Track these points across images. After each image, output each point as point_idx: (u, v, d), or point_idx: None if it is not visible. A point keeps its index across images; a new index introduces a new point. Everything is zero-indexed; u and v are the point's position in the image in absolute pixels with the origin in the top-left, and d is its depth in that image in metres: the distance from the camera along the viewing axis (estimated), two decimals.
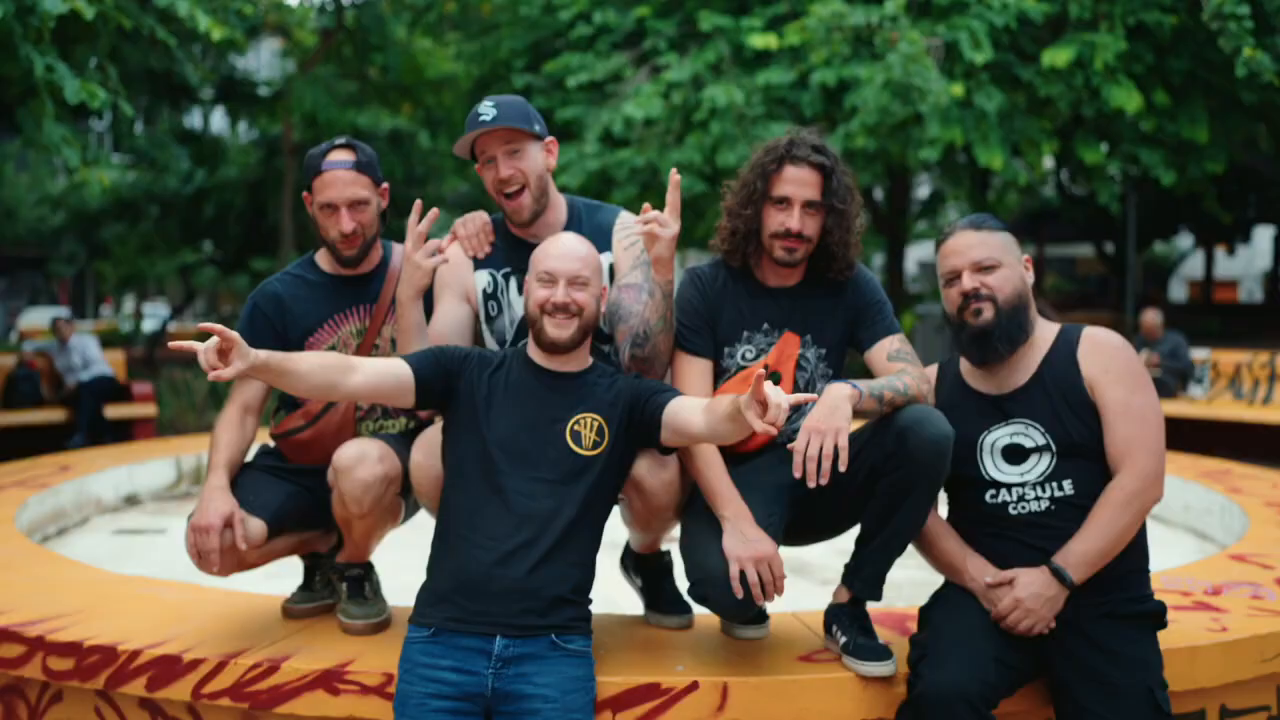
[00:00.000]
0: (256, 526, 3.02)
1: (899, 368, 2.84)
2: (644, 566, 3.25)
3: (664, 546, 3.27)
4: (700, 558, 2.76)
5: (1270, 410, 10.53)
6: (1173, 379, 11.09)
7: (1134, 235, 31.15)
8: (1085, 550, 2.63)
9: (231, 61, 15.13)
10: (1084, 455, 2.74)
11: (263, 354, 2.47)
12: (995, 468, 2.80)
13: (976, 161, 11.62)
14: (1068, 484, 2.73)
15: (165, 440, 8.30)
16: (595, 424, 2.71)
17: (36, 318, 36.29)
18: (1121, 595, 2.70)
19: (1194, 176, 12.04)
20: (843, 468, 2.53)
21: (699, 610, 3.12)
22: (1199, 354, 11.38)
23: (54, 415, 10.80)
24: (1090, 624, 2.65)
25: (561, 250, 2.78)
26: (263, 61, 23.47)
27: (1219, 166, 11.86)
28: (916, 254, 58.82)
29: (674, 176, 2.85)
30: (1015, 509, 2.77)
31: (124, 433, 10.87)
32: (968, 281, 2.79)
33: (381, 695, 2.75)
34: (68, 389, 10.98)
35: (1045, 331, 2.91)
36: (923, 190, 24.42)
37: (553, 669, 2.56)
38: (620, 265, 3.03)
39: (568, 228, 3.06)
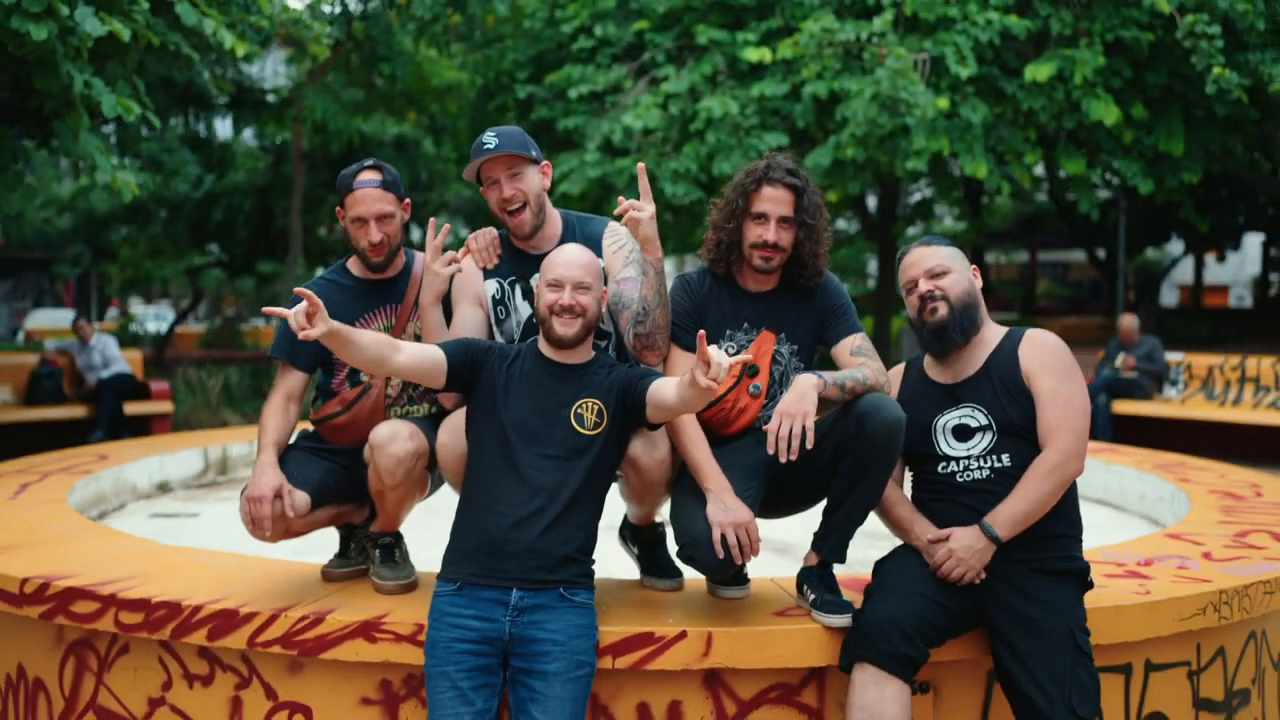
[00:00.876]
0: (301, 498, 3.46)
1: (860, 361, 3.29)
2: (640, 536, 3.69)
3: (657, 519, 3.70)
4: (688, 524, 3.20)
5: (1239, 411, 11.00)
6: (1149, 381, 11.56)
7: (1124, 242, 31.64)
8: (1011, 512, 3.09)
9: (240, 69, 15.55)
10: (1020, 434, 3.20)
11: (335, 324, 2.93)
12: (946, 444, 3.27)
13: (963, 171, 12.07)
14: (1005, 457, 3.20)
15: (193, 434, 8.73)
16: (596, 408, 3.16)
17: (43, 319, 36.75)
18: (1050, 554, 3.15)
19: (1171, 186, 12.50)
20: (809, 445, 2.98)
21: (689, 574, 3.57)
22: (1174, 357, 11.84)
23: (75, 412, 11.25)
24: (1021, 578, 3.10)
25: (567, 259, 3.22)
26: (268, 69, 23.90)
27: (1194, 177, 12.32)
28: None
29: (640, 167, 3.29)
30: (961, 478, 3.23)
31: (142, 429, 11.32)
32: (923, 286, 3.26)
33: (413, 643, 3.19)
34: (89, 386, 11.43)
35: (994, 332, 3.37)
36: (916, 197, 24.89)
37: (561, 617, 3.00)
38: (612, 266, 3.47)
39: (563, 239, 3.51)
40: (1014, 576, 3.10)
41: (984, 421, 3.23)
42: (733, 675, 3.23)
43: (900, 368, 3.55)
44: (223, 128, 20.72)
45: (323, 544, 4.01)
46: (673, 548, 3.40)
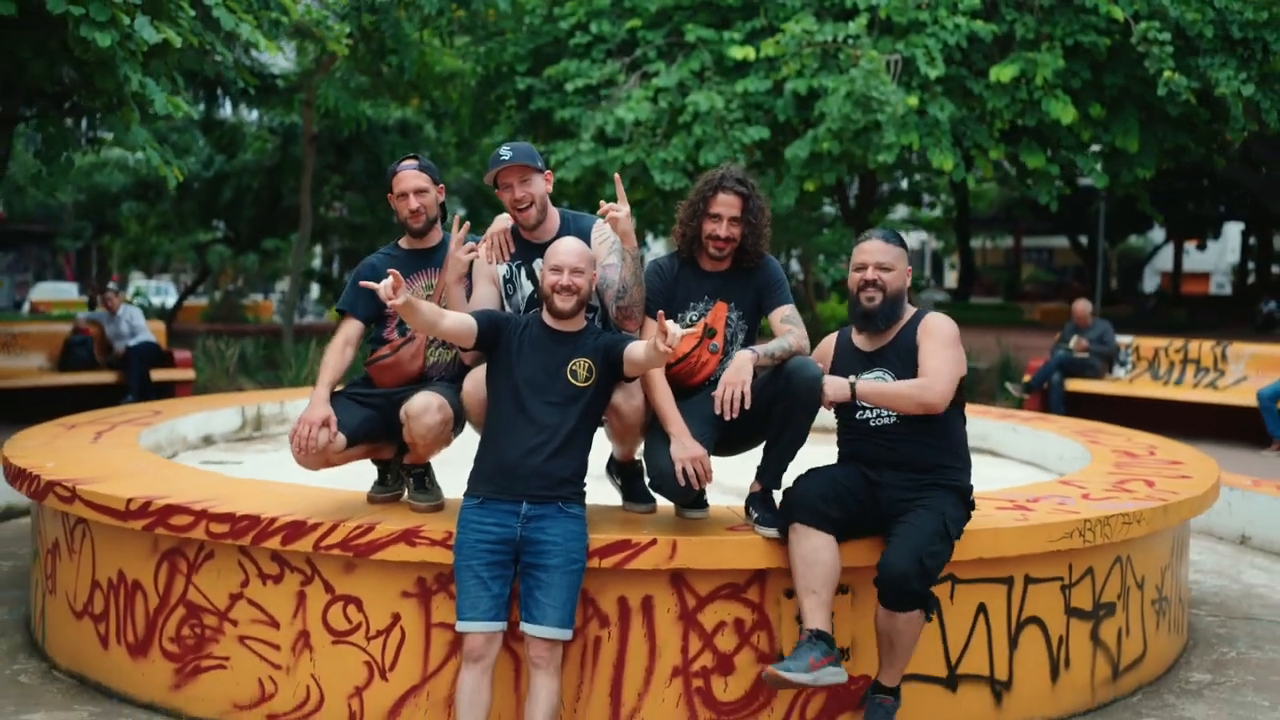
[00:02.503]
0: (340, 438, 4.37)
1: (787, 329, 4.22)
2: (622, 470, 4.60)
3: (636, 457, 4.61)
4: (656, 460, 4.12)
5: (1181, 389, 11.96)
6: (1100, 361, 12.49)
7: (1103, 229, 32.54)
8: (874, 388, 4.01)
9: (253, 56, 16.36)
10: None
11: (408, 295, 3.80)
12: None
13: (931, 164, 12.97)
14: None
15: (232, 394, 9.63)
16: (587, 365, 4.05)
17: (47, 291, 37.48)
18: (936, 475, 4.05)
19: (1126, 181, 13.42)
20: (748, 406, 3.90)
21: (661, 502, 4.48)
22: (1123, 339, 12.78)
23: (106, 377, 12.12)
24: (913, 490, 4.01)
25: (566, 249, 4.11)
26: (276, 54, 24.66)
27: (1148, 172, 13.25)
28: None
29: (616, 177, 4.24)
30: (873, 423, 4.14)
31: (166, 394, 12.18)
32: (870, 274, 4.17)
33: (444, 547, 4.08)
34: (117, 354, 12.29)
35: (907, 312, 4.28)
36: (905, 184, 25.80)
37: (559, 524, 3.90)
38: (599, 254, 4.38)
39: (560, 232, 4.43)
40: (907, 490, 4.01)
41: (891, 380, 4.13)
42: (693, 575, 4.14)
43: (834, 335, 4.47)
44: (227, 109, 21.55)
45: (362, 478, 4.90)
46: (648, 480, 4.32)
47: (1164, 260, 49.36)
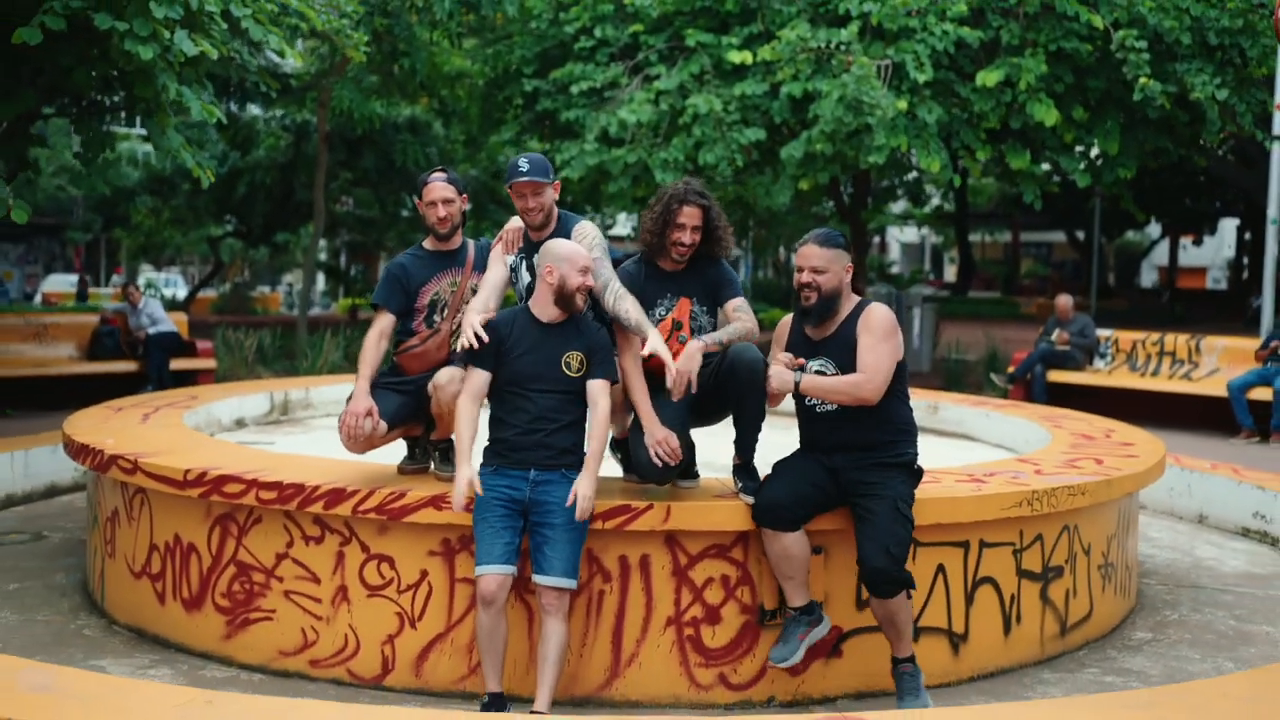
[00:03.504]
0: (382, 425, 4.95)
1: (738, 318, 4.78)
2: (621, 446, 5.18)
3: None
4: (636, 453, 4.71)
5: (1157, 380, 12.55)
6: (1080, 353, 13.08)
7: (1099, 225, 33.05)
8: (816, 383, 4.52)
9: (268, 56, 16.94)
10: None
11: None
12: None
13: (919, 165, 13.55)
14: None
15: (260, 381, 10.22)
16: (579, 358, 4.60)
17: (58, 283, 38.07)
18: (884, 453, 4.58)
19: (1108, 180, 14.00)
20: (694, 391, 4.48)
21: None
22: (1103, 332, 13.37)
23: (130, 366, 12.73)
24: (864, 470, 4.55)
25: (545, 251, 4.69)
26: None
27: (1129, 172, 13.83)
28: (900, 238, 60.43)
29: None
30: (818, 409, 4.67)
31: (187, 382, 12.77)
32: (805, 277, 4.71)
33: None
34: (138, 341, 12.89)
35: (851, 303, 4.79)
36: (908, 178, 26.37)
37: (563, 489, 4.45)
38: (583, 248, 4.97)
39: (556, 233, 4.97)
40: (860, 469, 4.56)
41: (833, 370, 4.66)
42: (685, 536, 4.72)
43: (789, 318, 4.97)
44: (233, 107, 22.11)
45: (392, 454, 5.47)
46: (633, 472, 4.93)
47: (1161, 255, 49.94)
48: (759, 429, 4.77)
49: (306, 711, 3.67)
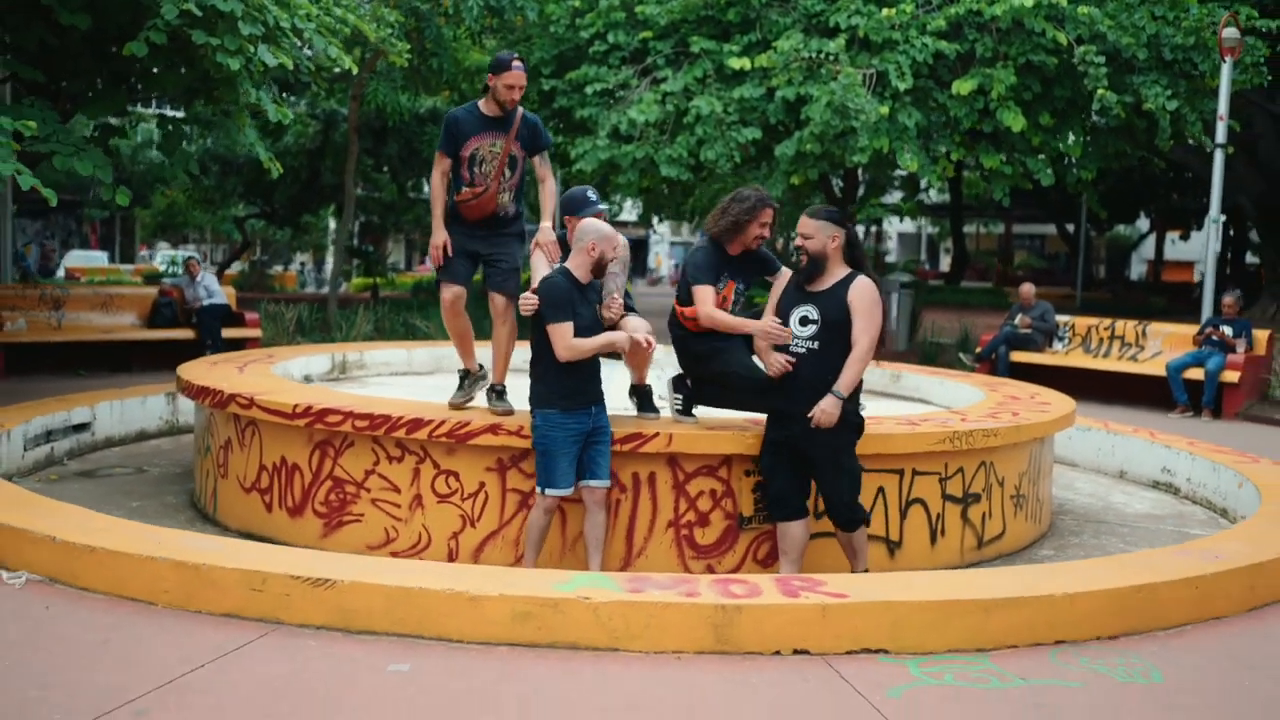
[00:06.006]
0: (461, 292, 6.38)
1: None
2: (637, 390, 6.59)
3: (648, 381, 6.60)
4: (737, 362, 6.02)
5: (1108, 361, 14.01)
6: (1041, 336, 14.52)
7: (1084, 219, 34.43)
8: (846, 380, 5.68)
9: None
10: (831, 329, 5.93)
11: None
12: (796, 325, 6.04)
13: (900, 164, 15.00)
14: (817, 343, 5.89)
15: (324, 345, 11.68)
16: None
17: (79, 259, 39.46)
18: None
19: (1071, 181, 15.45)
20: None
21: (664, 414, 6.50)
22: (1062, 318, 14.82)
23: (186, 334, 14.18)
24: (814, 431, 5.83)
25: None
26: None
27: (1090, 174, 15.27)
28: (897, 229, 61.75)
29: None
30: (797, 349, 5.94)
31: (237, 348, 14.20)
32: (798, 240, 6.07)
33: (520, 436, 6.06)
34: (192, 309, 14.34)
35: (842, 270, 5.96)
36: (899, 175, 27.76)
37: (606, 415, 5.86)
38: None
39: None
40: (810, 430, 5.86)
41: (816, 317, 5.97)
42: (683, 458, 6.15)
43: (787, 273, 6.21)
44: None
45: (442, 394, 6.89)
46: (655, 398, 6.37)
47: (1151, 248, 51.35)
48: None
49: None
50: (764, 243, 6.25)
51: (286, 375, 8.99)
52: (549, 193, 6.55)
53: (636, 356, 6.35)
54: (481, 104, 6.43)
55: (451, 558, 6.29)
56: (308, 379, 9.40)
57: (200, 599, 4.90)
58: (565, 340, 5.64)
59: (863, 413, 5.96)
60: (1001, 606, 4.83)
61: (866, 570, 5.93)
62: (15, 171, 7.84)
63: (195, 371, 7.89)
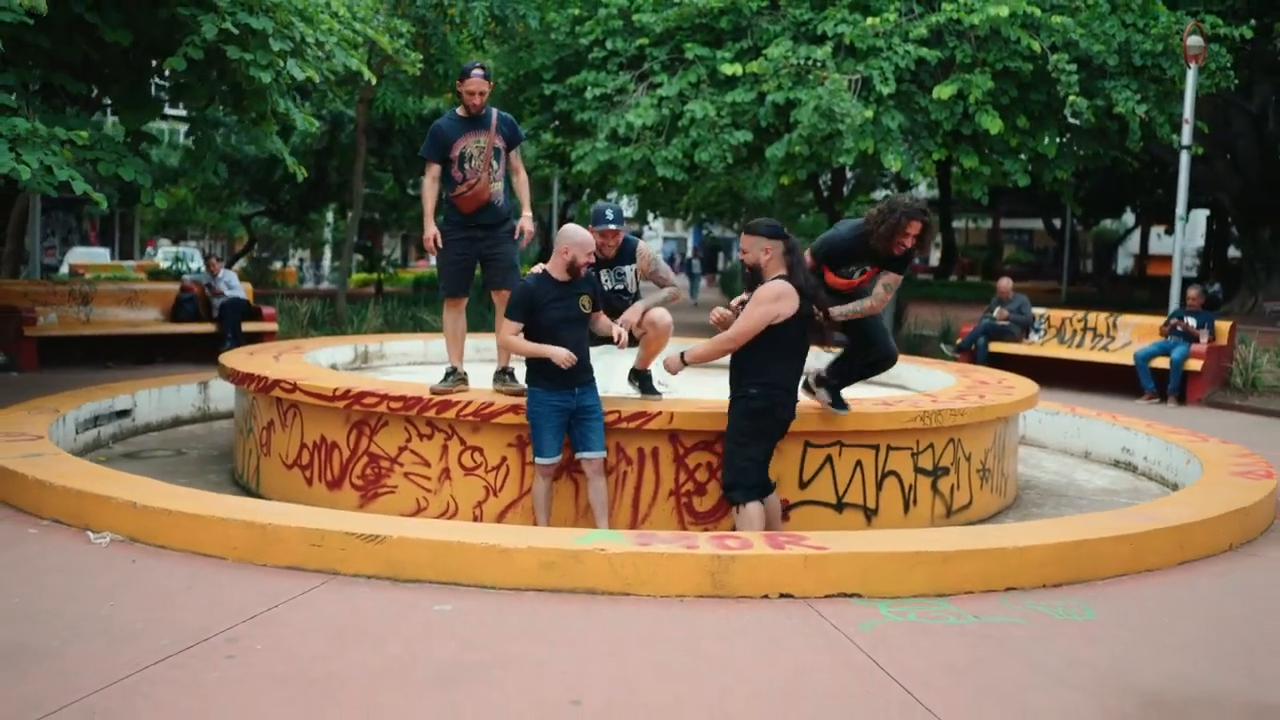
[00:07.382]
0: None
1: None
2: (638, 374, 7.37)
3: (650, 367, 7.36)
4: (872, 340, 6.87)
5: (1081, 351, 14.80)
6: (1018, 328, 15.31)
7: (1070, 215, 35.21)
8: (694, 351, 6.48)
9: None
10: None
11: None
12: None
13: (884, 164, 15.79)
14: None
15: (348, 336, 12.44)
16: (589, 300, 6.70)
17: (81, 255, 40.13)
18: (735, 394, 6.36)
19: (1047, 180, 16.25)
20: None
21: (666, 395, 7.27)
22: (1038, 310, 15.61)
23: (207, 328, 14.92)
24: (734, 402, 6.58)
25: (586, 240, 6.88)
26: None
27: (1065, 174, 16.07)
28: None
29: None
30: None
31: (255, 341, 14.95)
32: (737, 255, 6.83)
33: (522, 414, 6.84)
34: (215, 307, 15.08)
35: (776, 274, 6.83)
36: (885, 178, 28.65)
37: (592, 396, 6.58)
38: (646, 259, 7.17)
39: (620, 252, 7.05)
40: (733, 404, 6.56)
41: None
42: (683, 434, 6.91)
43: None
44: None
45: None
46: (655, 381, 7.14)
47: (1136, 242, 52.24)
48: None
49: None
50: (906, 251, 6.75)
51: (316, 364, 9.76)
52: (523, 183, 7.38)
53: (653, 343, 7.10)
54: (459, 110, 7.19)
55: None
56: (334, 367, 10.15)
57: (266, 554, 5.66)
58: (505, 334, 6.59)
59: (824, 399, 6.89)
60: (959, 557, 5.61)
61: None
62: (70, 178, 8.55)
63: (237, 360, 8.63)
